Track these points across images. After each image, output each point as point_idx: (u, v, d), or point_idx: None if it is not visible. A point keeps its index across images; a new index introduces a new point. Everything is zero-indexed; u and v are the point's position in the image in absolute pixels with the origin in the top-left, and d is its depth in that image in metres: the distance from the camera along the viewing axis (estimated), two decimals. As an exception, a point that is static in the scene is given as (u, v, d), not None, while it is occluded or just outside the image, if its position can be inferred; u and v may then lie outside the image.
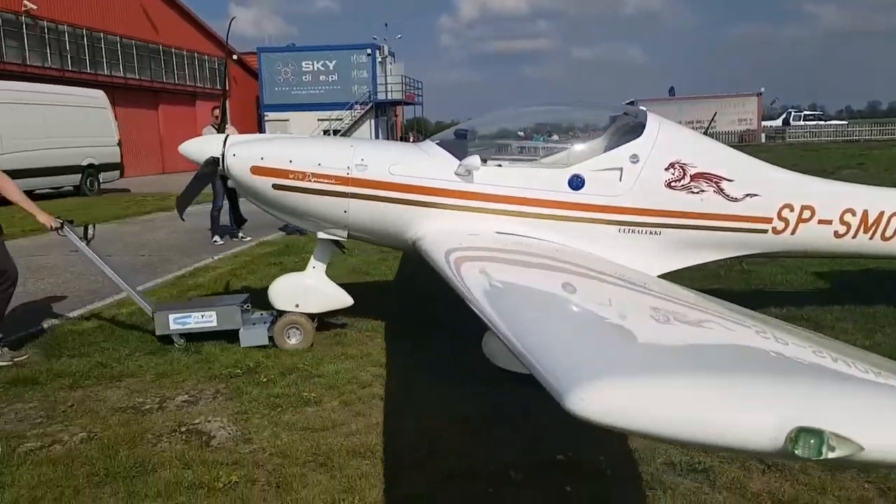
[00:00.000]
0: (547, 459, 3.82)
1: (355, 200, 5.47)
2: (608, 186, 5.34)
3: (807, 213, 5.63)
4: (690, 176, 5.36)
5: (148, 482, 3.66)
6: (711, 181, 5.40)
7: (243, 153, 5.59)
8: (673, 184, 5.36)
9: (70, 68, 31.38)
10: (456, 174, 5.39)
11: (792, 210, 5.61)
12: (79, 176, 23.00)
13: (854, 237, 5.75)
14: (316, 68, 44.65)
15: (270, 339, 5.86)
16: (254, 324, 6.01)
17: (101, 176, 24.10)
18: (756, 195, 5.52)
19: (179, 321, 5.90)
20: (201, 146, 5.84)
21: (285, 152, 5.57)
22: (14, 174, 19.03)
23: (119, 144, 24.91)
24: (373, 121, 42.49)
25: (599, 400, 1.82)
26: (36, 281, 8.89)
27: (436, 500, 3.51)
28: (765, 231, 5.61)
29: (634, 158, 5.32)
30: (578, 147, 5.70)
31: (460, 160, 5.41)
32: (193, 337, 5.98)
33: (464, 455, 3.89)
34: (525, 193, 5.37)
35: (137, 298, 6.22)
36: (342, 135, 36.30)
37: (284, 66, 44.70)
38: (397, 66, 47.72)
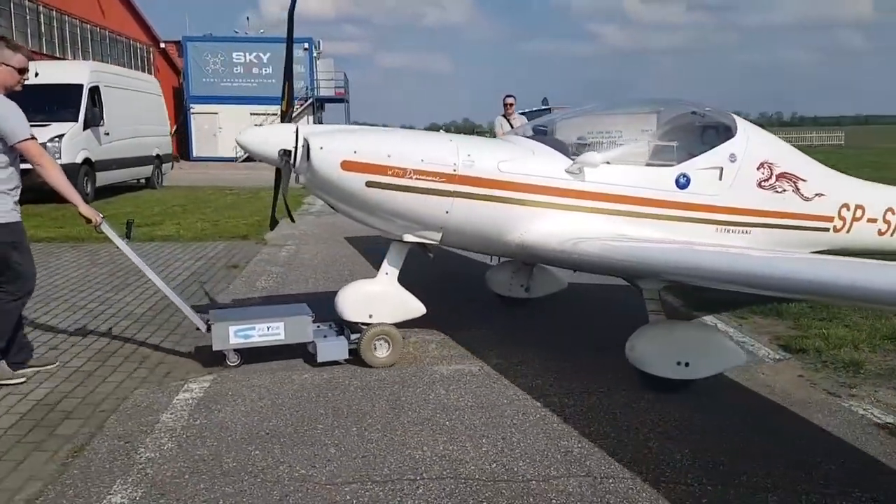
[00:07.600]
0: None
1: (460, 200, 5.16)
2: (710, 185, 5.47)
3: (859, 213, 6.13)
4: (776, 175, 5.70)
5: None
6: (791, 180, 5.76)
7: (334, 146, 5.01)
8: (763, 183, 5.68)
9: (44, 51, 29.43)
10: (567, 172, 5.27)
11: (848, 209, 6.08)
12: (150, 168, 21.31)
13: (892, 235, 6.35)
14: (248, 60, 43.55)
15: (351, 352, 5.33)
16: (325, 336, 5.40)
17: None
18: (822, 194, 5.92)
19: (241, 334, 5.12)
20: (266, 137, 5.16)
21: (382, 146, 5.12)
22: (118, 164, 18.51)
23: (172, 134, 23.35)
24: (310, 118, 41.83)
25: None
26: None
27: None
28: (827, 230, 6.02)
29: (733, 157, 5.52)
30: (682, 145, 5.66)
31: (568, 157, 5.34)
32: (247, 354, 5.23)
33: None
34: (635, 192, 5.32)
35: (185, 307, 5.48)
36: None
37: (214, 57, 43.34)
38: (325, 61, 46.84)
